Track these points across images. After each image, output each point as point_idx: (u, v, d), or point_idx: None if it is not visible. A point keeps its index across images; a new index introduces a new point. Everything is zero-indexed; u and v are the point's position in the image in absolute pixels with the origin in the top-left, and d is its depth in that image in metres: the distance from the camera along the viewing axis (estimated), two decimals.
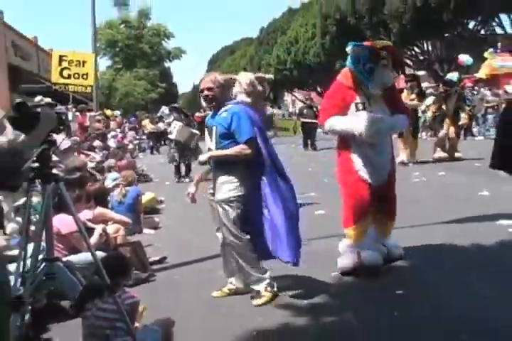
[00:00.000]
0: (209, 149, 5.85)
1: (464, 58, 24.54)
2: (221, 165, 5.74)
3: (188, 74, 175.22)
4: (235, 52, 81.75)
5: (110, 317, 4.44)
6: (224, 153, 5.67)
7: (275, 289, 5.80)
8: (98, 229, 6.76)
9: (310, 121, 24.05)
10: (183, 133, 13.63)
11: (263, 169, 5.68)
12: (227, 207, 5.66)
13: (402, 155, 15.79)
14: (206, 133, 5.93)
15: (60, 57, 15.70)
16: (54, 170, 4.16)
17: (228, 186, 5.67)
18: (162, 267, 7.20)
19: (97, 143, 16.65)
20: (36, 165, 4.03)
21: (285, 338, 5.03)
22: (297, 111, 31.12)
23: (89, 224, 6.87)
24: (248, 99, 5.87)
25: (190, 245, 8.28)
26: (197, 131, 14.06)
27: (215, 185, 5.80)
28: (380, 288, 6.02)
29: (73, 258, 6.08)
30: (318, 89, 54.63)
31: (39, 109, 3.97)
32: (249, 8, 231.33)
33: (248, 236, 5.72)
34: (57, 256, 5.97)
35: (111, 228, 7.24)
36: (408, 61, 42.35)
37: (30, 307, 5.14)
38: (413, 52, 41.51)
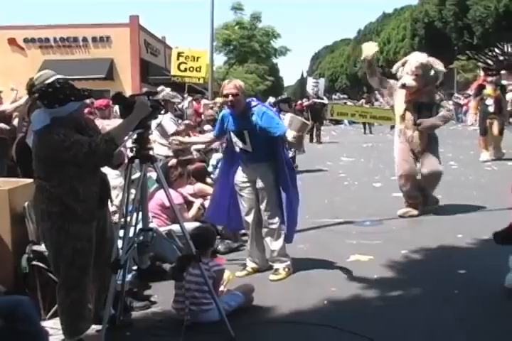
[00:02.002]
0: (241, 149, 5.59)
1: None
2: (259, 155, 5.53)
3: (292, 69, 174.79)
4: (334, 51, 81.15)
5: (199, 281, 4.39)
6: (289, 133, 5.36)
7: (291, 270, 5.66)
8: (197, 202, 6.73)
9: None
10: (295, 123, 13.33)
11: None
12: (271, 191, 5.57)
13: (485, 153, 13.68)
14: (233, 136, 5.60)
15: (179, 53, 15.92)
16: (151, 152, 4.06)
17: (269, 174, 5.55)
18: None
19: (207, 127, 16.69)
20: (135, 146, 3.97)
21: (354, 307, 4.79)
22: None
23: (190, 198, 6.84)
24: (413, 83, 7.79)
25: None
26: (307, 121, 13.79)
27: (251, 173, 5.62)
28: (444, 265, 5.69)
29: (174, 227, 6.02)
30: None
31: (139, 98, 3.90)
32: (348, 12, 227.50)
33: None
34: (162, 224, 6.07)
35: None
36: (489, 61, 41.00)
37: (136, 267, 5.23)
38: (494, 53, 40.12)
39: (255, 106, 5.56)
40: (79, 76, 24.95)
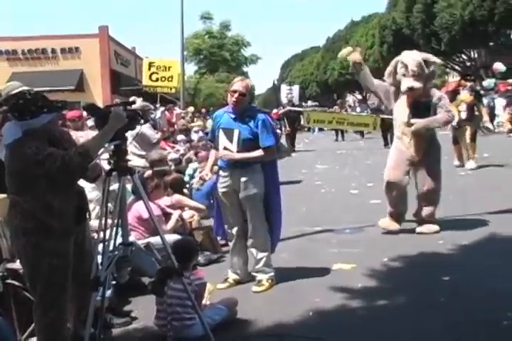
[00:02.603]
0: (225, 148, 5.48)
1: (498, 66, 24.84)
2: (244, 166, 5.44)
3: (263, 77, 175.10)
4: (304, 59, 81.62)
5: (181, 296, 4.26)
6: (249, 155, 5.38)
7: (274, 281, 5.56)
8: (175, 214, 6.59)
9: (388, 117, 21.70)
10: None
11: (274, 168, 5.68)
12: (256, 202, 5.46)
13: (470, 162, 12.94)
14: (221, 133, 5.51)
15: (150, 63, 15.82)
16: (129, 163, 3.93)
17: (254, 184, 5.43)
18: None
19: (181, 137, 16.57)
20: (114, 158, 3.84)
21: (339, 318, 4.68)
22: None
23: (168, 209, 6.70)
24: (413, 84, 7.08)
25: None
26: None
27: (236, 183, 5.47)
28: (427, 272, 5.62)
29: (153, 240, 5.88)
30: None
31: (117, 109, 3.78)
32: (316, 20, 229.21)
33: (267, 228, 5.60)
34: (140, 237, 5.92)
35: (187, 213, 7.07)
36: (456, 67, 41.65)
37: (114, 282, 5.09)
38: (461, 59, 40.88)
39: (257, 111, 5.55)
40: (48, 88, 24.66)
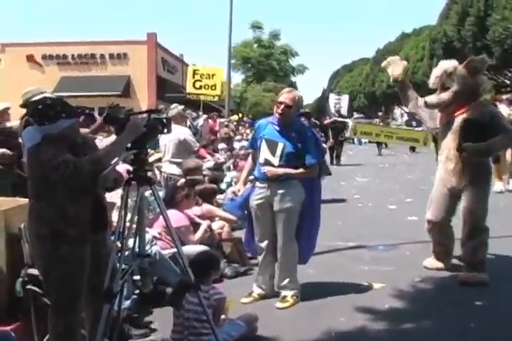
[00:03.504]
0: (266, 160, 5.36)
1: None
2: (283, 179, 5.31)
3: (310, 87, 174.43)
4: (353, 70, 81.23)
5: (198, 311, 4.15)
6: (292, 172, 5.28)
7: (299, 298, 5.41)
8: (204, 224, 6.50)
9: None
10: None
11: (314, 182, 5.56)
12: (291, 216, 5.34)
13: (498, 183, 12.15)
14: (264, 144, 5.39)
15: (194, 71, 15.93)
16: (149, 173, 3.87)
17: (290, 197, 5.30)
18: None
19: (222, 145, 16.58)
20: (133, 168, 3.78)
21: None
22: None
23: (197, 219, 6.63)
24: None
25: None
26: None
27: (273, 196, 5.35)
28: (459, 295, 5.40)
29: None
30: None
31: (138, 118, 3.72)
32: (367, 31, 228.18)
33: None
34: (166, 247, 5.85)
35: (216, 224, 6.99)
36: (508, 81, 40.71)
37: (137, 291, 5.04)
38: None
39: (303, 125, 5.49)
40: (95, 92, 25.11)
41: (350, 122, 17.77)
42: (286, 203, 5.30)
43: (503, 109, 11.94)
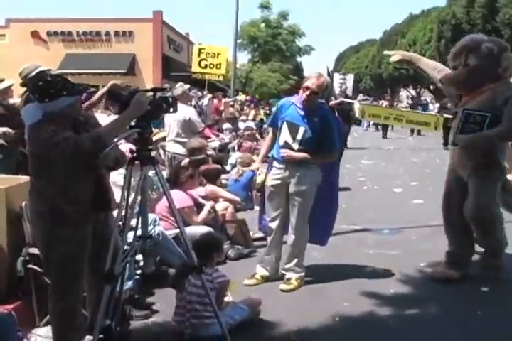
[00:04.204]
0: (285, 143, 5.28)
1: None
2: (301, 160, 5.25)
3: (316, 68, 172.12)
4: (359, 52, 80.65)
5: (200, 293, 4.09)
6: (319, 159, 5.25)
7: (303, 282, 5.37)
8: (207, 205, 6.41)
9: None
10: None
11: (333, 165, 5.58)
12: (306, 198, 5.26)
13: None
14: (285, 126, 5.30)
15: (199, 50, 15.71)
16: (152, 153, 3.77)
17: (307, 179, 5.23)
18: (264, 244, 6.75)
19: (227, 125, 16.45)
20: (136, 147, 3.68)
21: (366, 326, 4.46)
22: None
23: (201, 200, 6.55)
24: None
25: None
26: None
27: (290, 177, 5.28)
28: (465, 281, 5.34)
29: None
30: (431, 87, 53.55)
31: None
32: (374, 13, 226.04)
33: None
34: (170, 227, 5.78)
35: (220, 205, 6.91)
36: None
37: (139, 272, 4.98)
38: None
39: (327, 110, 5.45)
40: (100, 70, 24.95)
41: (356, 104, 17.37)
42: (303, 185, 5.24)
43: None
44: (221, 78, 16.90)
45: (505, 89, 5.22)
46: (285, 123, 5.29)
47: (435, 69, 5.94)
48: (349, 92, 24.42)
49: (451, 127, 5.87)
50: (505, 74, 5.32)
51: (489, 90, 5.27)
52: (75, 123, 3.60)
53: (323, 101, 6.76)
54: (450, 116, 11.95)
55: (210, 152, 9.61)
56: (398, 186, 10.95)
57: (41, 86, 3.46)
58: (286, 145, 5.27)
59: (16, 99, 8.22)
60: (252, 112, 25.55)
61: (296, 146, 5.23)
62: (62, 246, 3.55)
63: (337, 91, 25.17)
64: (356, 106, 17.30)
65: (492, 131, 5.14)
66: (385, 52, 6.60)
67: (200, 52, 15.52)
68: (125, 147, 4.89)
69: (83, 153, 3.39)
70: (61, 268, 3.61)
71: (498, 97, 5.16)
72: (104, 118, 6.18)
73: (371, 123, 30.45)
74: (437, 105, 36.87)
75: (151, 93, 3.76)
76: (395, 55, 6.23)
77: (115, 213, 4.36)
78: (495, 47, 5.26)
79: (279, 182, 5.36)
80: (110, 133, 3.50)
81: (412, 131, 25.20)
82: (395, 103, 28.26)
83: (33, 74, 4.95)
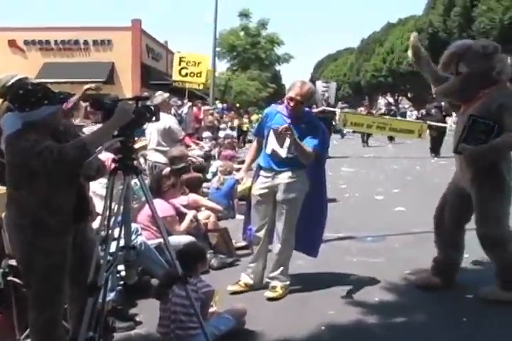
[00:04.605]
0: (273, 151, 5.26)
1: None
2: (291, 162, 5.21)
3: (295, 76, 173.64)
4: (338, 60, 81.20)
5: (185, 304, 4.02)
6: (302, 146, 5.05)
7: (288, 290, 5.32)
8: (189, 214, 6.35)
9: (436, 124, 17.11)
10: None
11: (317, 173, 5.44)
12: (294, 206, 5.24)
13: None
14: (272, 134, 5.26)
15: (180, 58, 15.70)
16: (135, 162, 3.72)
17: (296, 186, 5.21)
18: (247, 253, 6.71)
19: (207, 134, 16.43)
20: (119, 156, 3.63)
21: (352, 335, 4.43)
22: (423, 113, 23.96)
23: (183, 209, 6.49)
24: None
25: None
26: None
27: (277, 185, 5.26)
28: (450, 288, 5.32)
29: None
30: (409, 95, 54.09)
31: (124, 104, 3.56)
32: (352, 21, 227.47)
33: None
34: (152, 237, 5.71)
35: (202, 214, 6.85)
36: None
37: (121, 283, 4.92)
38: None
39: (313, 117, 5.43)
40: (79, 79, 24.75)
41: (338, 111, 17.20)
42: (291, 193, 5.20)
43: None
44: (201, 87, 16.87)
45: (499, 94, 4.93)
46: (271, 131, 5.26)
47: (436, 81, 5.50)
48: (331, 100, 24.31)
49: (442, 136, 5.60)
50: (501, 78, 5.00)
51: (485, 96, 4.97)
52: (54, 133, 3.53)
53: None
54: (433, 124, 11.70)
55: (199, 159, 9.60)
56: (380, 193, 10.95)
57: (22, 94, 3.38)
58: (274, 153, 5.24)
59: None
60: (236, 121, 25.58)
61: (284, 154, 5.20)
62: (44, 256, 3.47)
63: (319, 98, 24.92)
64: (338, 114, 17.14)
65: (497, 142, 4.79)
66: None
67: (180, 60, 15.49)
68: (105, 156, 4.83)
69: (68, 162, 3.31)
70: (44, 279, 3.52)
71: (493, 104, 4.87)
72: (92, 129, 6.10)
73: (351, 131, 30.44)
74: (415, 112, 37.26)
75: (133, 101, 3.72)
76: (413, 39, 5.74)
77: (95, 223, 4.31)
78: (485, 48, 5.02)
79: (266, 190, 5.33)
80: (95, 141, 3.43)
81: (391, 138, 25.32)
82: (374, 110, 28.40)
83: (11, 83, 4.85)
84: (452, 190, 5.39)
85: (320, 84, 26.37)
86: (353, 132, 29.84)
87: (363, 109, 28.48)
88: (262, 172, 5.43)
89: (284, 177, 5.22)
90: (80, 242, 3.72)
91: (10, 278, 4.26)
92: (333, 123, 19.74)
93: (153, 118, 3.80)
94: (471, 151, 4.92)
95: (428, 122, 16.10)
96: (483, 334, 4.33)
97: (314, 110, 21.95)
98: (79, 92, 6.44)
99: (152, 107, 3.85)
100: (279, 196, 5.23)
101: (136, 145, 7.26)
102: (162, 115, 7.69)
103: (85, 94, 6.55)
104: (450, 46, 5.36)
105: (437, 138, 17.66)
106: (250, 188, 5.62)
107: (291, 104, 5.12)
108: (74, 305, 3.87)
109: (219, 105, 28.49)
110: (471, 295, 5.08)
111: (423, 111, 24.52)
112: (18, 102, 3.39)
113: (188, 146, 10.89)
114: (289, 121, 5.18)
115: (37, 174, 3.36)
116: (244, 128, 25.08)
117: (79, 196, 3.62)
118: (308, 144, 5.11)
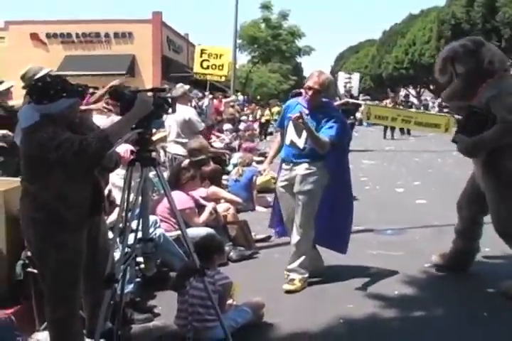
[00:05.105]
0: (292, 142, 5.27)
1: None
2: (309, 154, 5.18)
3: (316, 69, 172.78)
4: (359, 52, 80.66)
5: (203, 296, 4.02)
6: (316, 134, 5.01)
7: (306, 283, 5.30)
8: (209, 206, 6.35)
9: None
10: None
11: (337, 165, 5.31)
12: (309, 199, 5.21)
13: None
14: (291, 125, 5.27)
15: (202, 50, 15.53)
16: (153, 154, 3.71)
17: (311, 179, 5.18)
18: (266, 245, 6.70)
19: (227, 126, 16.41)
20: (136, 148, 3.62)
21: (371, 328, 4.39)
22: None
23: (202, 201, 6.49)
24: None
25: None
26: None
27: (293, 173, 5.27)
28: (471, 282, 5.27)
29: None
30: (431, 87, 53.56)
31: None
32: (374, 12, 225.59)
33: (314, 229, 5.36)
34: (171, 229, 5.72)
35: (222, 206, 6.85)
36: None
37: (140, 275, 4.94)
38: None
39: (332, 108, 5.36)
40: (100, 72, 24.89)
41: (362, 103, 16.88)
42: (306, 185, 5.19)
43: None
44: (223, 79, 16.80)
45: (492, 86, 4.93)
46: (291, 122, 5.25)
47: None
48: (354, 92, 23.63)
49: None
50: (494, 67, 4.98)
51: (482, 89, 4.99)
52: (70, 125, 3.51)
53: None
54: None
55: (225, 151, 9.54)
56: (400, 186, 10.87)
57: (40, 87, 3.38)
58: (293, 144, 5.25)
59: (14, 102, 8.15)
60: (259, 112, 25.40)
61: (301, 144, 5.20)
62: (58, 252, 3.46)
63: (342, 90, 24.33)
64: (362, 107, 16.77)
65: (485, 135, 4.85)
66: None
67: (202, 52, 15.37)
68: (123, 148, 4.83)
69: (90, 154, 3.28)
70: (57, 275, 3.51)
71: (482, 96, 4.93)
72: (103, 119, 6.11)
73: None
74: (438, 100, 36.51)
75: (151, 93, 3.71)
76: None
77: (113, 216, 4.32)
78: (472, 43, 5.08)
79: (286, 182, 5.36)
80: (117, 133, 3.41)
81: (403, 131, 24.72)
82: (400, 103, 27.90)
83: (39, 75, 4.85)
84: (471, 183, 5.39)
85: (342, 76, 25.60)
86: (373, 124, 29.51)
87: (388, 101, 28.04)
88: (283, 165, 5.45)
89: (301, 169, 5.21)
90: (95, 236, 3.72)
91: (29, 269, 4.29)
92: (357, 115, 18.98)
93: (170, 110, 3.79)
94: (460, 146, 5.01)
95: (456, 116, 15.48)
96: (503, 329, 4.27)
97: (337, 102, 21.70)
98: (100, 85, 6.43)
99: (169, 99, 3.84)
100: (296, 188, 5.23)
101: (155, 137, 7.30)
102: (181, 107, 7.76)
103: (109, 90, 6.57)
104: (440, 53, 5.51)
105: None
106: (270, 181, 5.62)
107: (309, 93, 5.14)
108: (88, 298, 3.87)
109: (240, 97, 28.41)
110: (491, 290, 5.02)
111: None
112: (36, 95, 3.39)
113: (208, 138, 10.92)
114: (307, 111, 5.16)
115: (54, 167, 3.34)
116: (263, 120, 24.89)
117: (94, 189, 3.61)
118: (325, 134, 5.07)
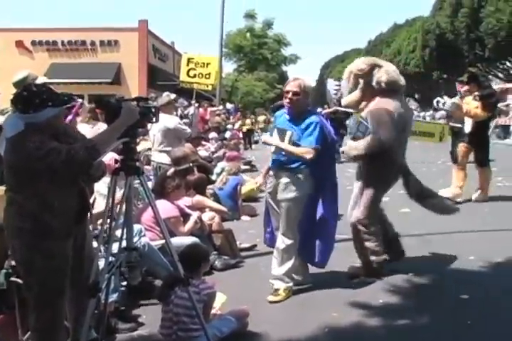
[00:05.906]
0: (276, 148, 5.31)
1: None
2: (292, 161, 5.19)
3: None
4: (345, 61, 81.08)
5: (187, 306, 4.02)
6: (290, 149, 5.12)
7: (291, 293, 5.30)
8: (194, 215, 6.34)
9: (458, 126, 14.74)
10: None
11: (323, 173, 5.33)
12: (291, 206, 5.21)
13: (453, 189, 10.09)
14: (275, 133, 5.34)
15: (189, 59, 15.52)
16: (137, 163, 3.71)
17: (294, 187, 5.18)
18: (251, 254, 6.71)
19: (213, 134, 16.43)
20: (121, 157, 3.63)
21: (355, 337, 4.41)
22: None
23: (187, 210, 6.48)
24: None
25: None
26: None
27: (277, 185, 5.29)
28: (455, 290, 5.30)
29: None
30: (416, 96, 53.91)
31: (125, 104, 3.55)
32: (359, 22, 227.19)
33: (298, 237, 5.36)
34: (155, 238, 5.71)
35: (207, 215, 6.83)
36: (500, 74, 40.72)
37: (125, 283, 4.91)
38: (505, 66, 39.80)
39: (314, 114, 5.34)
40: (85, 80, 24.88)
41: (353, 112, 16.44)
42: (289, 193, 5.20)
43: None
44: (210, 88, 16.79)
45: (374, 103, 5.71)
46: (276, 130, 5.35)
47: None
48: None
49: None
50: (381, 87, 5.69)
51: (371, 103, 5.77)
52: (54, 134, 3.50)
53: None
54: (457, 125, 11.05)
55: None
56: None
57: (25, 96, 3.35)
58: (277, 152, 5.28)
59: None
60: (247, 121, 25.44)
61: (284, 152, 5.22)
62: (45, 260, 3.44)
63: (331, 98, 24.13)
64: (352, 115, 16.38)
65: (359, 143, 5.62)
66: None
67: (189, 61, 15.35)
68: (108, 156, 4.82)
69: (78, 163, 3.27)
70: (44, 283, 3.49)
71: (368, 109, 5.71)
72: (88, 128, 6.11)
73: None
74: (423, 114, 36.93)
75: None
76: None
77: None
78: (364, 66, 5.76)
79: (271, 190, 5.41)
80: (104, 142, 3.41)
81: None
82: None
83: (39, 82, 4.82)
84: None
85: (332, 83, 25.47)
86: None
87: None
88: (270, 172, 5.51)
89: (283, 177, 5.24)
90: (80, 244, 3.70)
91: (13, 278, 4.26)
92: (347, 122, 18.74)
93: (153, 120, 3.80)
94: (345, 150, 5.87)
95: (451, 124, 14.98)
96: (487, 337, 4.29)
97: (326, 110, 21.48)
98: (87, 93, 6.44)
99: (152, 108, 3.84)
100: (279, 195, 5.26)
101: (140, 147, 7.29)
102: (165, 116, 7.76)
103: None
104: (349, 65, 6.07)
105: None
106: (253, 190, 5.64)
107: (288, 96, 5.17)
108: (72, 307, 3.84)
109: (229, 106, 28.42)
110: (476, 298, 5.04)
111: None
112: (21, 104, 3.36)
113: (194, 147, 10.91)
114: (288, 117, 5.26)
115: (40, 176, 3.32)
116: (244, 130, 24.81)
117: (80, 197, 3.60)
118: (306, 143, 5.10)
